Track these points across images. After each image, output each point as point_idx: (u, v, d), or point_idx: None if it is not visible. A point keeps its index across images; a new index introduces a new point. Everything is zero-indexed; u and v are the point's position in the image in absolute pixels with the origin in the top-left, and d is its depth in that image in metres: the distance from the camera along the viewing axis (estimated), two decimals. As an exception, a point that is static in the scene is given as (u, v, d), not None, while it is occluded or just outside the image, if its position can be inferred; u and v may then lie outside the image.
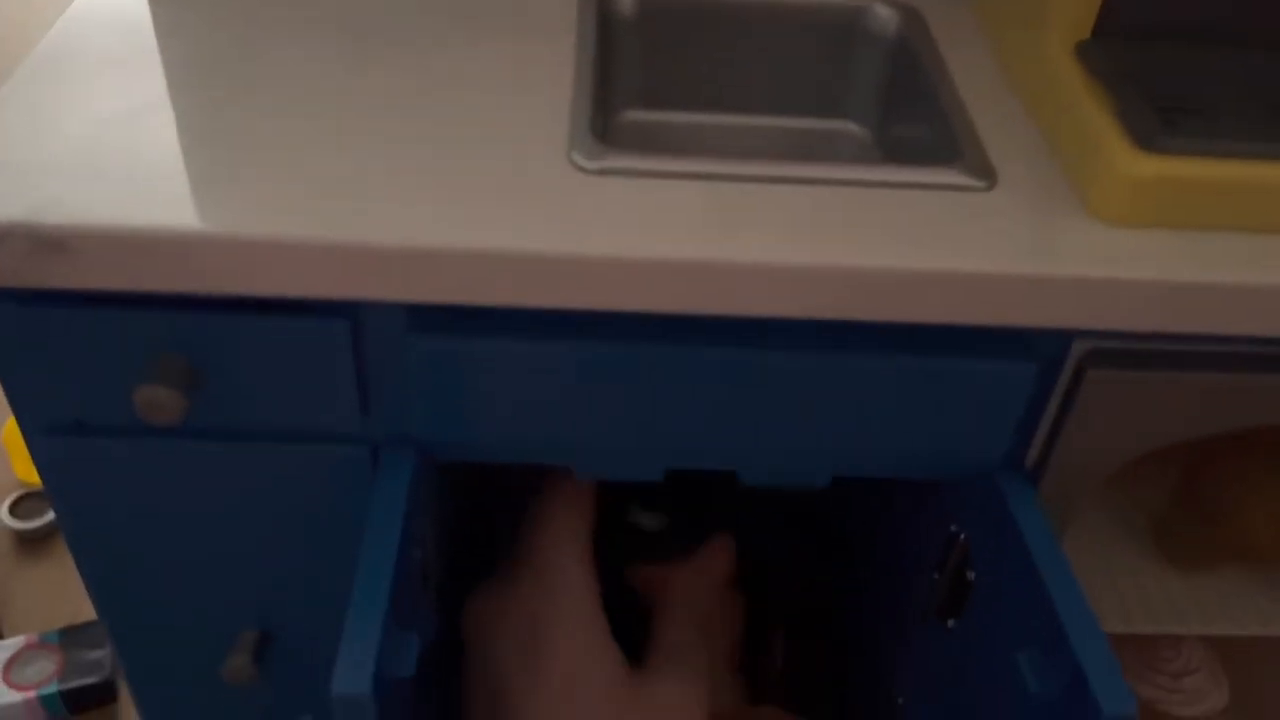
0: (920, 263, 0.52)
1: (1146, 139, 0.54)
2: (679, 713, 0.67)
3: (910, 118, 0.69)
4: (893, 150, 0.71)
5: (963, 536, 0.65)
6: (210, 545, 0.65)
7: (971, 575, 0.64)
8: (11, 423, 1.24)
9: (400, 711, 0.54)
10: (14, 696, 0.95)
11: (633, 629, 0.69)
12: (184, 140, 0.56)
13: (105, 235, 0.50)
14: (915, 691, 0.75)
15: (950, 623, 0.67)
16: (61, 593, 1.07)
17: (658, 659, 0.70)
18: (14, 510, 1.19)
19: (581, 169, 0.56)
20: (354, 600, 0.51)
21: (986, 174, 0.57)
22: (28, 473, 1.21)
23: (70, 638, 0.99)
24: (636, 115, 0.74)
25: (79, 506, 0.63)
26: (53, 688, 0.95)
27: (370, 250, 0.51)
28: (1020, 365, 0.56)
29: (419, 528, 0.60)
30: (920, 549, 0.72)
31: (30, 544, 1.17)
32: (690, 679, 0.69)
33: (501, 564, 0.74)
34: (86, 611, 1.05)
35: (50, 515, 1.17)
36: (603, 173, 0.56)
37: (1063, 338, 0.57)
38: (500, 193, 0.54)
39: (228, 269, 0.51)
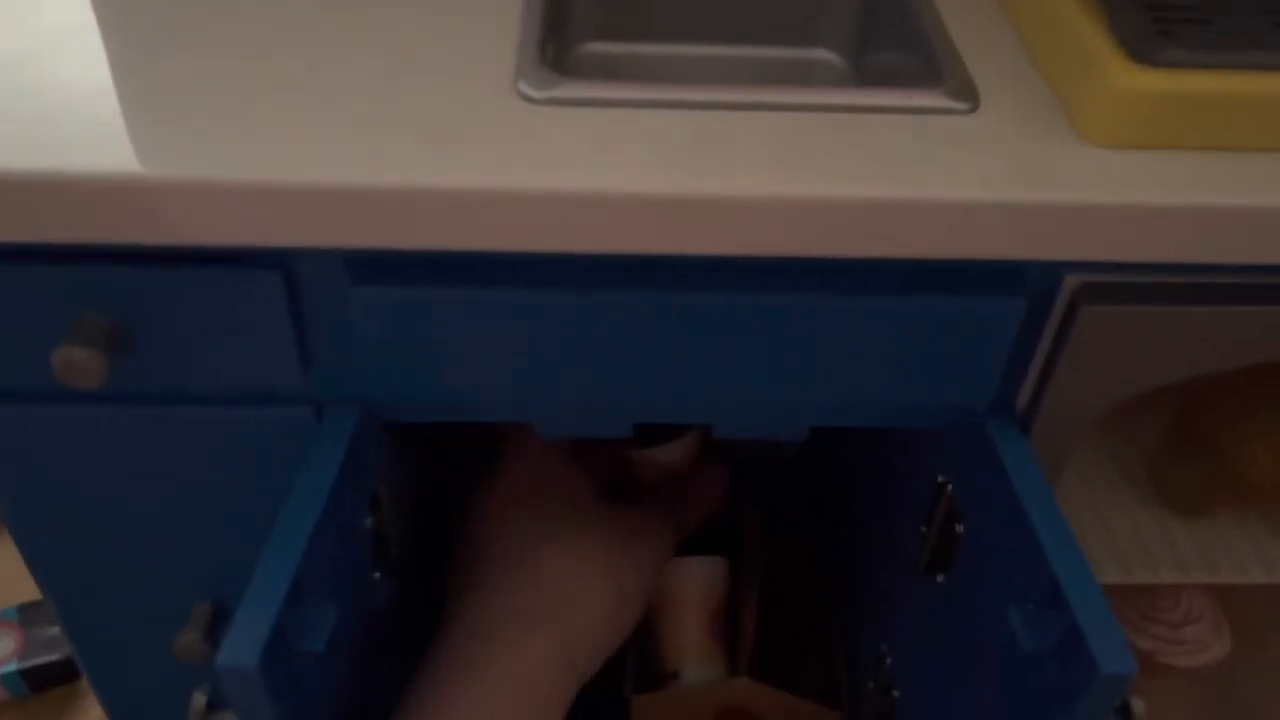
0: (897, 192, 0.48)
1: (1141, 51, 0.49)
2: (652, 534, 0.72)
3: (889, 43, 0.65)
4: (871, 78, 0.67)
5: (950, 487, 0.62)
6: (152, 515, 0.61)
7: (960, 528, 0.61)
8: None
9: (310, 687, 0.50)
10: (-26, 676, 0.92)
11: None
12: (98, 80, 0.52)
13: (6, 180, 0.46)
14: (903, 649, 0.72)
15: (939, 578, 0.64)
16: (19, 569, 1.03)
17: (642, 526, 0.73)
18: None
19: (530, 99, 0.51)
20: (259, 567, 0.47)
21: (969, 95, 0.53)
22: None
23: (29, 614, 0.96)
24: (596, 47, 0.69)
25: (6, 478, 0.59)
26: (12, 666, 0.92)
27: (304, 192, 0.47)
28: (1008, 300, 0.52)
29: (361, 492, 0.57)
30: (906, 502, 0.69)
31: (-11, 519, 1.13)
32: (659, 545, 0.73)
33: None
34: (49, 587, 1.02)
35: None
36: (553, 103, 0.51)
37: (1053, 272, 0.53)
38: (443, 128, 0.50)
39: (147, 216, 0.47)
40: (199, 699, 0.49)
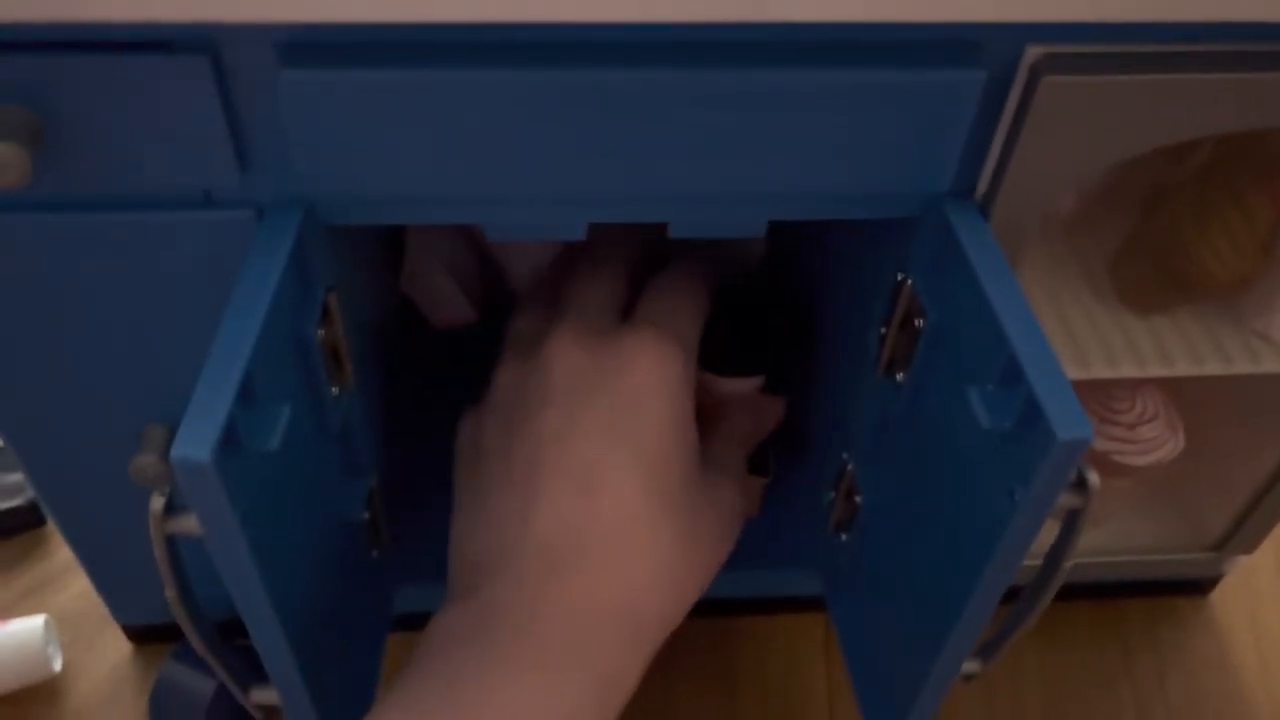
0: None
1: None
2: (735, 514, 0.67)
3: None
4: None
5: (909, 283, 0.61)
6: (95, 334, 0.60)
7: (920, 322, 0.60)
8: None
9: (266, 487, 0.50)
10: (-64, 525, 0.91)
11: None
12: None
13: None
14: (865, 454, 0.72)
15: (899, 376, 0.64)
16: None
17: (711, 460, 0.68)
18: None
19: None
20: (206, 366, 0.46)
21: None
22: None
23: (-12, 462, 0.95)
24: None
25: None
26: (-25, 513, 0.91)
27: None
28: (969, 73, 0.51)
29: (310, 300, 0.55)
30: (865, 307, 0.68)
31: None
32: (739, 489, 0.69)
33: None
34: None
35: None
36: None
37: (1015, 42, 0.51)
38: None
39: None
40: (157, 501, 0.49)
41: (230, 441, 0.45)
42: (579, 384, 0.61)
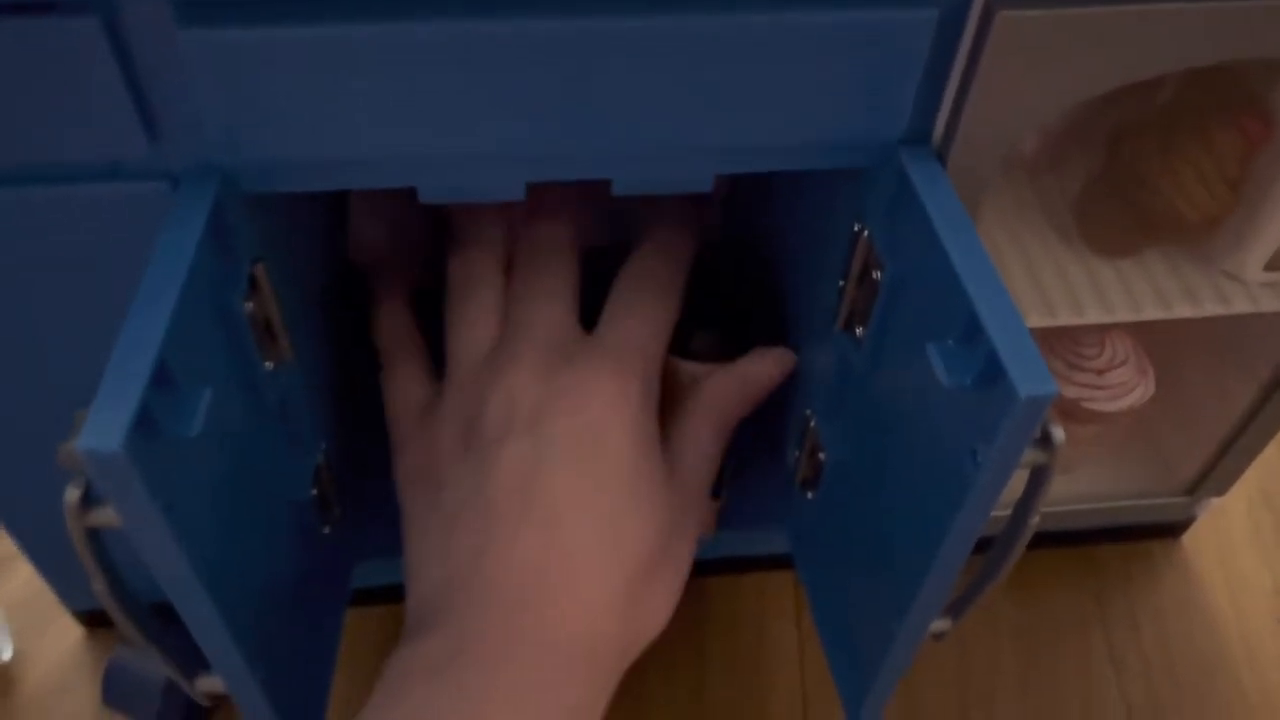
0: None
1: None
2: (696, 534, 0.65)
3: None
4: None
5: (866, 234, 0.59)
6: (11, 316, 0.56)
7: (878, 275, 0.58)
8: None
9: (189, 473, 0.47)
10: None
11: None
12: None
13: None
14: (828, 411, 0.70)
15: (859, 330, 0.62)
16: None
17: (680, 460, 0.66)
18: None
19: None
20: (116, 349, 0.43)
21: None
22: None
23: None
24: None
25: None
26: (-85, 501, 0.88)
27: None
28: (919, 12, 0.48)
29: (233, 272, 0.52)
30: (823, 261, 0.66)
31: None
32: (703, 502, 0.67)
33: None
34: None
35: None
36: None
37: (968, -23, 0.48)
38: None
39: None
40: (72, 493, 0.46)
41: (145, 428, 0.42)
42: (539, 418, 0.59)
